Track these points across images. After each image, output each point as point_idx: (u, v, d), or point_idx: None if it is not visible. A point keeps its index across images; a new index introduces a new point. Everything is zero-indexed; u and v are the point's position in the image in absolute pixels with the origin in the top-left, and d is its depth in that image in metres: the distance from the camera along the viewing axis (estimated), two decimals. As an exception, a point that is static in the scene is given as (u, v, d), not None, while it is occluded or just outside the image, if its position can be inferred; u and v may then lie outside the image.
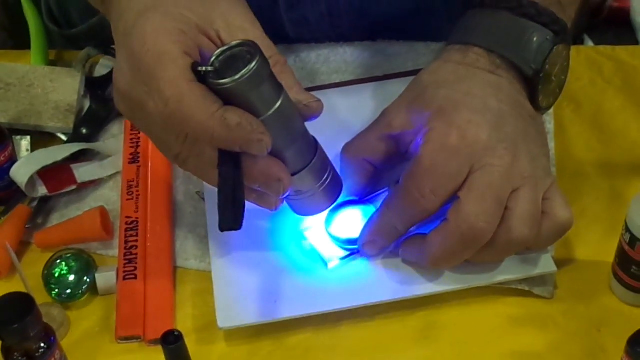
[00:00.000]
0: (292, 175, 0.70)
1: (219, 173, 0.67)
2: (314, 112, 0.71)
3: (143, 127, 0.71)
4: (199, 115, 0.65)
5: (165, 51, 0.65)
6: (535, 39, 0.77)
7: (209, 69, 0.65)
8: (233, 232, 0.79)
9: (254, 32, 0.69)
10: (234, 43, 0.66)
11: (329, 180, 0.73)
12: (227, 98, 0.65)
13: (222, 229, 0.67)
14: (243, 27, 0.70)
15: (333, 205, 0.76)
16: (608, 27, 2.03)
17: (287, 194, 0.70)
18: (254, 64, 0.64)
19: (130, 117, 0.71)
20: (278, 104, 0.67)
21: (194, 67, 0.66)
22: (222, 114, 0.65)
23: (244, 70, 0.64)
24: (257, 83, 0.65)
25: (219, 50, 0.66)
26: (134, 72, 0.67)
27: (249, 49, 0.65)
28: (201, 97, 0.65)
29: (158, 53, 0.65)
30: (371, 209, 0.79)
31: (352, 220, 0.79)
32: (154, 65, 0.65)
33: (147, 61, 0.66)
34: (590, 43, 1.87)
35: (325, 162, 0.73)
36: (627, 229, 0.74)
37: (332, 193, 0.75)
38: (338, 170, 0.76)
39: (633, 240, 0.73)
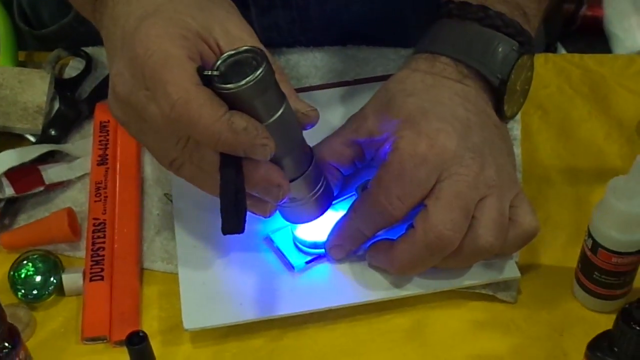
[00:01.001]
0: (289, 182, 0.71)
1: (220, 177, 0.67)
2: (311, 121, 0.73)
3: (138, 133, 0.71)
4: (206, 118, 0.65)
5: (171, 55, 0.66)
6: (500, 49, 0.78)
7: (215, 73, 0.66)
8: (201, 235, 0.81)
9: (251, 42, 0.70)
10: (241, 49, 0.67)
11: (322, 189, 0.75)
12: (231, 103, 0.66)
13: (225, 232, 0.67)
14: (241, 37, 0.70)
15: (323, 214, 0.77)
16: (581, 35, 2.05)
17: (284, 200, 0.71)
18: (260, 70, 0.65)
19: (126, 122, 0.71)
20: (280, 111, 0.68)
21: (200, 70, 0.66)
22: (228, 117, 0.65)
23: (251, 76, 0.65)
24: (263, 89, 0.66)
25: (224, 55, 0.67)
26: (135, 77, 0.67)
27: (256, 56, 0.66)
28: (208, 101, 0.65)
29: (163, 57, 0.66)
30: (337, 213, 0.79)
31: (319, 224, 0.79)
32: (159, 68, 0.65)
33: (151, 65, 0.66)
34: (563, 51, 1.89)
35: (320, 172, 0.75)
36: (590, 235, 0.75)
37: (323, 202, 0.76)
38: None
39: (595, 246, 0.74)
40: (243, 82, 0.65)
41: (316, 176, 0.74)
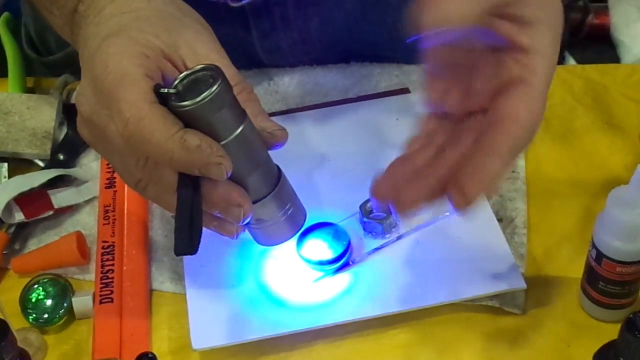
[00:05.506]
0: (254, 202, 0.70)
1: (177, 196, 0.66)
2: (279, 141, 0.71)
3: (105, 152, 0.71)
4: (158, 136, 0.64)
5: (127, 73, 0.65)
6: None
7: (171, 91, 0.65)
8: (208, 254, 0.81)
9: (220, 61, 0.69)
10: (197, 67, 0.66)
11: (291, 209, 0.73)
12: (188, 121, 0.65)
13: (177, 253, 0.65)
14: (209, 56, 0.70)
15: (295, 235, 0.75)
16: (589, 43, 2.04)
17: (247, 220, 0.69)
18: (215, 87, 0.64)
19: (93, 142, 0.71)
20: (239, 129, 0.66)
21: (156, 88, 0.65)
22: (181, 135, 0.64)
23: (205, 93, 0.64)
24: (218, 107, 0.65)
25: (182, 74, 0.66)
26: (96, 96, 0.67)
27: (212, 73, 0.65)
28: (161, 118, 0.64)
29: (120, 75, 0.65)
30: (341, 231, 0.80)
31: (323, 242, 0.80)
32: (115, 86, 0.65)
33: (108, 83, 0.65)
34: (571, 60, 1.89)
35: (289, 192, 0.73)
36: (594, 245, 0.75)
37: (294, 223, 0.74)
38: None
39: (599, 256, 0.75)
40: (198, 99, 0.64)
41: (285, 196, 0.72)
